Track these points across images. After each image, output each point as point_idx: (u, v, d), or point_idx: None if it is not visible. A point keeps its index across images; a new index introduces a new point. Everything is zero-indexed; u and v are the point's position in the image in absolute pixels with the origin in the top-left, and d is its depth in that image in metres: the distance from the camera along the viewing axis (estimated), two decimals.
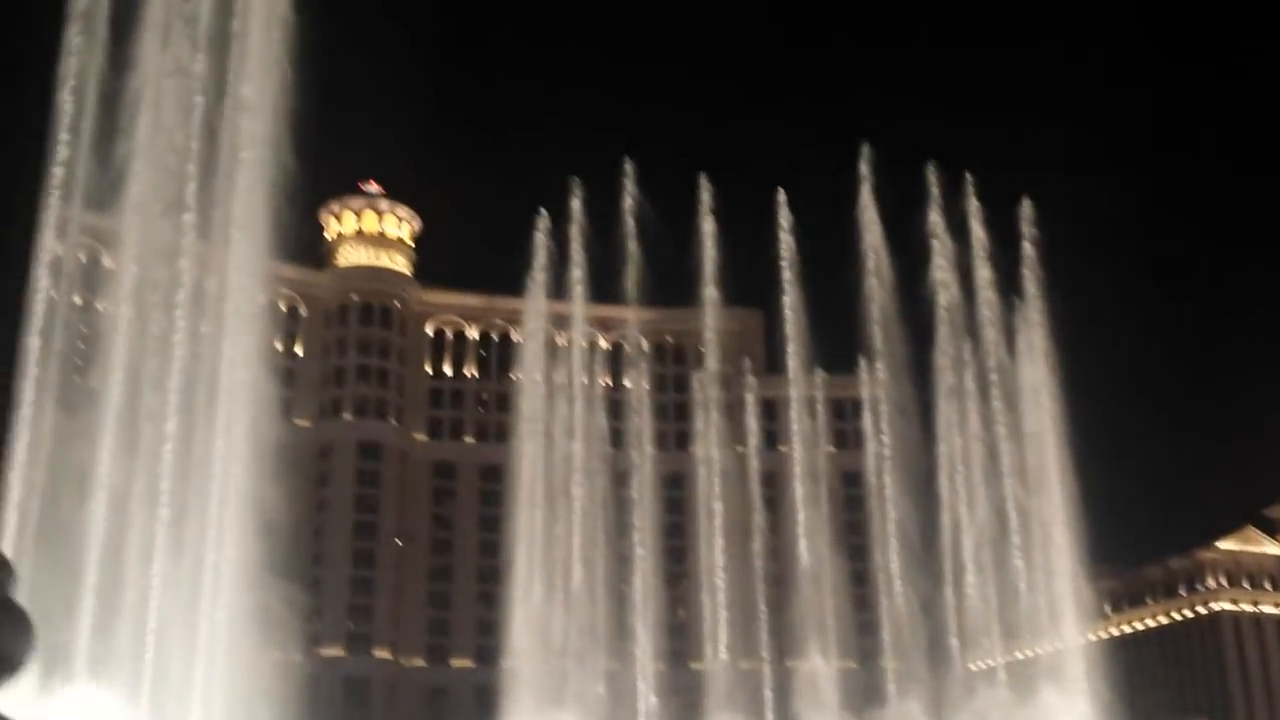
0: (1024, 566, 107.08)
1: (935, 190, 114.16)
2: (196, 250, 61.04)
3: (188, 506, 57.51)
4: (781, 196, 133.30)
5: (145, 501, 56.85)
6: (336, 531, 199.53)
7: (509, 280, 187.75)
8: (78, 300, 64.32)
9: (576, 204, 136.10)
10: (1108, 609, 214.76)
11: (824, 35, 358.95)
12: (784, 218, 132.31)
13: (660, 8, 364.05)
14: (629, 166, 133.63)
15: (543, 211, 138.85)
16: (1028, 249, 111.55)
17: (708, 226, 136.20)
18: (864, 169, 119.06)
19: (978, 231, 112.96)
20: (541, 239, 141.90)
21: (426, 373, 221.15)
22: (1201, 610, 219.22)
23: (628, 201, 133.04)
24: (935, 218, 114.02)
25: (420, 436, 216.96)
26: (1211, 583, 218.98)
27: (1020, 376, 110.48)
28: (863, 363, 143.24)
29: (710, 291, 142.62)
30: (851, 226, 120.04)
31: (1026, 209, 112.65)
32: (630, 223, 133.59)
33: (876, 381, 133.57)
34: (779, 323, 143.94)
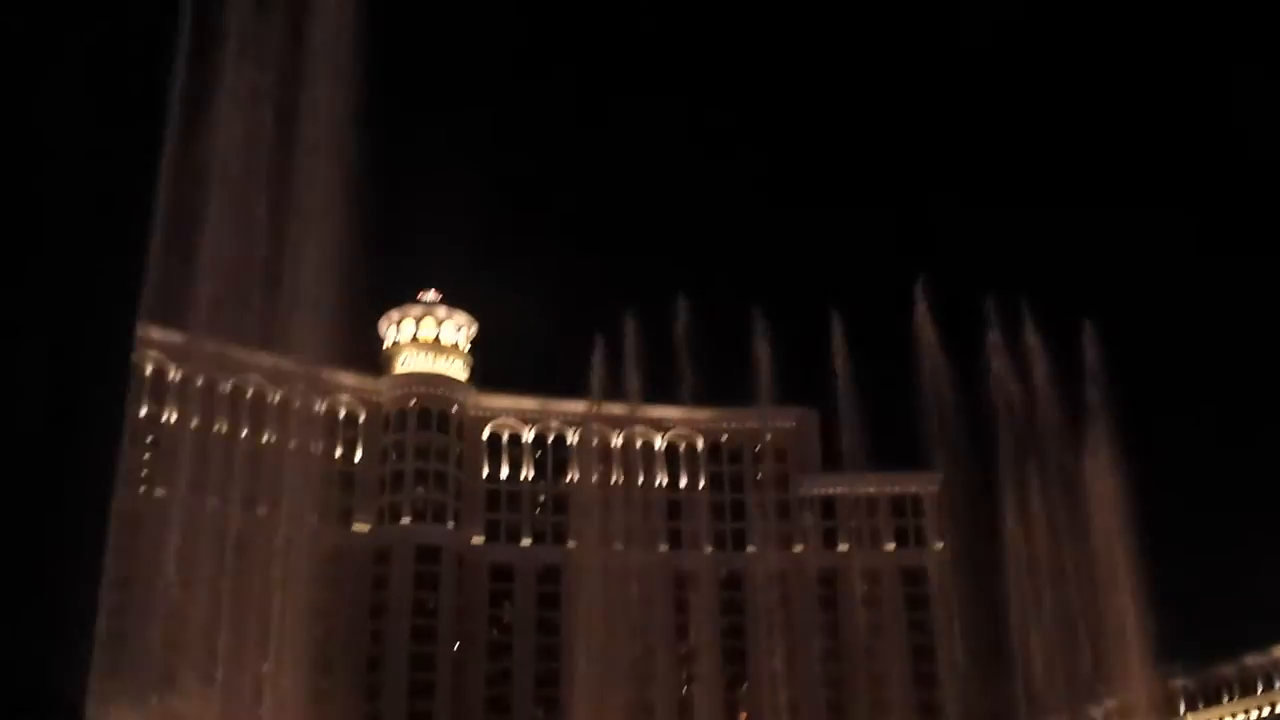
0: (1094, 666, 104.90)
1: (993, 311, 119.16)
2: (259, 361, 62.32)
3: (249, 613, 57.94)
4: (835, 316, 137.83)
5: (207, 609, 57.37)
6: (395, 636, 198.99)
7: (565, 382, 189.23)
8: (142, 412, 65.65)
9: (630, 328, 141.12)
10: (1182, 708, 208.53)
11: (880, 170, 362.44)
12: (838, 331, 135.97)
13: (717, 137, 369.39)
14: (682, 300, 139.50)
15: (599, 337, 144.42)
16: (1091, 361, 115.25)
17: (763, 351, 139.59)
18: (920, 290, 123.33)
19: (1035, 344, 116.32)
20: (599, 347, 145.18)
21: (483, 476, 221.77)
22: None
23: (680, 328, 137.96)
24: (995, 337, 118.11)
25: (478, 539, 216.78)
26: None
27: (1086, 474, 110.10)
28: (923, 461, 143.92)
29: (765, 396, 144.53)
30: (909, 333, 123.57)
31: (1090, 330, 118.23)
32: (684, 344, 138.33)
33: (938, 479, 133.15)
34: (835, 421, 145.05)
